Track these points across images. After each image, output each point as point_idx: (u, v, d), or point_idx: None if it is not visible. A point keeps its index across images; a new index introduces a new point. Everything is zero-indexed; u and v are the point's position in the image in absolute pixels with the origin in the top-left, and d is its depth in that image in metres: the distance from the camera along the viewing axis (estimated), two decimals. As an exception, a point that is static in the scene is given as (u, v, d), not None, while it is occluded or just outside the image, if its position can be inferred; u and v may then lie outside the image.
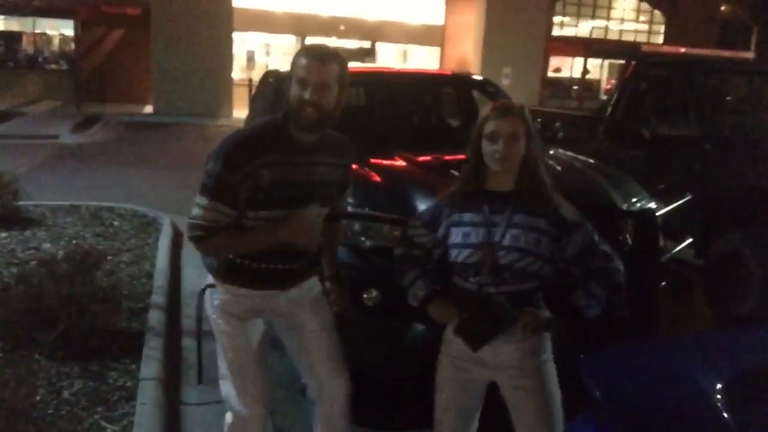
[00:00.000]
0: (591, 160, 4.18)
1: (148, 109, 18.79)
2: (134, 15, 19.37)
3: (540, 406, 2.03)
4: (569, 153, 4.22)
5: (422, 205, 3.01)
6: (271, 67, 19.42)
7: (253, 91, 7.68)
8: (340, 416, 2.37)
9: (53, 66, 21.11)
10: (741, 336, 1.89)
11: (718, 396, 1.33)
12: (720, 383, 1.36)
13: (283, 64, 19.69)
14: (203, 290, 2.25)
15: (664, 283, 3.23)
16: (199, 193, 2.06)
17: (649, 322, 3.12)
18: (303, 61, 2.01)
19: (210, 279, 2.26)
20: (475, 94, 5.28)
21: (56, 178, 9.12)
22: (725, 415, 1.29)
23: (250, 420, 2.25)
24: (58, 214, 6.37)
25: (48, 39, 21.66)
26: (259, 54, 20.95)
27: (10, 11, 19.06)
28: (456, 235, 2.09)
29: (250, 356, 2.24)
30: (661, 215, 3.45)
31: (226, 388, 2.27)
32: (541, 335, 2.08)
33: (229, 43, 19.07)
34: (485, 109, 2.12)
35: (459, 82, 5.43)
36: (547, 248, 2.05)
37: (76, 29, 19.87)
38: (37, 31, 21.29)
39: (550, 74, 24.09)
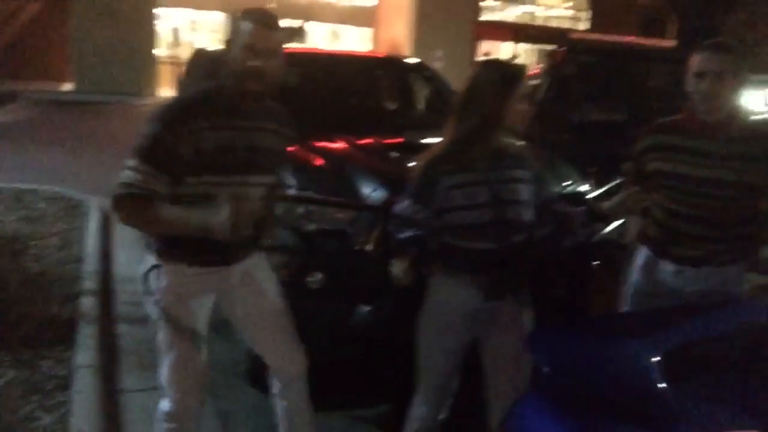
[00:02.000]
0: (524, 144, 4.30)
1: (68, 86, 17.95)
2: (53, -13, 18.41)
3: (516, 359, 2.16)
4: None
5: (365, 189, 3.04)
6: (198, 45, 18.93)
7: (182, 69, 7.46)
8: (300, 392, 2.38)
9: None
10: (676, 312, 2.02)
11: (656, 368, 1.43)
12: (657, 356, 1.46)
13: (211, 42, 19.19)
14: (148, 272, 2.15)
15: (597, 263, 3.39)
16: (131, 155, 1.95)
17: (585, 299, 3.27)
18: (249, 26, 1.96)
19: (153, 260, 2.15)
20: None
21: (-29, 159, 8.63)
22: (663, 385, 1.39)
23: (187, 406, 2.21)
24: (-25, 197, 6.05)
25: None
26: (184, 31, 20.33)
27: None
28: (459, 197, 2.11)
29: (191, 341, 2.18)
30: (593, 197, 3.59)
31: (164, 373, 2.21)
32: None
33: (152, 18, 18.41)
34: (494, 71, 2.15)
35: (395, 65, 5.45)
36: (532, 197, 2.21)
37: (-15, 1, 18.68)
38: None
39: (481, 58, 24.46)
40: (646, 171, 2.48)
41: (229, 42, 2.02)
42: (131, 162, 1.94)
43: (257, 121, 2.09)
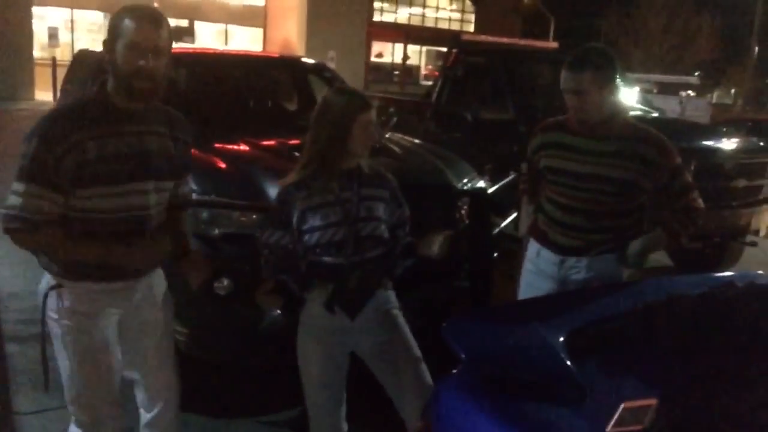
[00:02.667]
0: (425, 143, 4.43)
1: (-70, 91, 16.52)
2: None
3: (408, 350, 2.23)
4: (405, 137, 4.42)
5: (271, 190, 3.02)
6: (78, 46, 17.97)
7: (65, 72, 7.07)
8: (170, 422, 2.30)
9: None
10: (576, 295, 2.17)
11: (561, 347, 1.53)
12: (561, 336, 1.56)
13: (90, 42, 18.25)
14: (47, 292, 2.00)
15: (496, 254, 3.55)
16: (15, 179, 1.84)
17: (486, 289, 3.41)
18: (132, 24, 1.85)
19: (51, 279, 2.01)
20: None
21: None
22: (569, 363, 1.50)
23: (101, 426, 2.10)
24: None
25: None
26: (62, 31, 19.25)
27: None
28: (314, 219, 2.16)
29: (101, 357, 2.05)
30: (490, 193, 3.76)
31: (72, 395, 2.07)
32: (387, 288, 2.31)
33: (29, 18, 17.28)
34: (342, 100, 2.18)
35: (294, 66, 5.44)
36: (390, 214, 2.29)
37: None
38: None
39: (373, 59, 24.73)
40: (538, 167, 2.65)
41: (108, 42, 1.90)
42: (15, 185, 1.84)
43: (144, 123, 1.99)
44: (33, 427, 2.96)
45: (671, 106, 18.50)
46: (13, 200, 1.84)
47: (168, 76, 1.97)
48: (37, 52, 18.02)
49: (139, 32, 1.85)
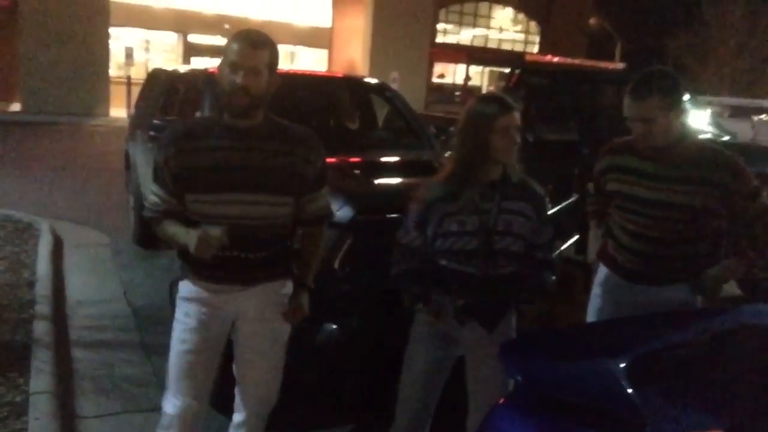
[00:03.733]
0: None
1: (15, 107, 17.48)
2: (3, 6, 17.96)
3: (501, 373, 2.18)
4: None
5: (332, 207, 3.04)
6: (152, 65, 18.73)
7: (139, 90, 7.37)
8: (255, 428, 2.38)
9: None
10: (641, 321, 2.09)
11: (623, 374, 1.48)
12: (623, 362, 1.51)
13: (164, 62, 18.96)
14: (172, 283, 2.28)
15: (554, 278, 3.47)
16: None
17: (544, 313, 3.33)
18: (235, 46, 2.01)
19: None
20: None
21: None
22: (630, 390, 1.44)
23: (177, 415, 2.18)
24: None
25: None
26: (137, 51, 20.09)
27: None
28: (450, 225, 2.18)
29: (197, 349, 2.17)
30: (551, 215, 3.68)
31: (170, 380, 2.22)
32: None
33: (105, 38, 18.15)
34: (483, 106, 2.19)
35: (356, 85, 5.50)
36: (530, 231, 2.23)
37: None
38: None
39: (435, 80, 24.82)
40: (606, 190, 2.58)
41: (220, 64, 2.07)
42: (149, 184, 2.17)
43: (254, 140, 2.09)
44: (95, 430, 3.04)
45: (743, 130, 17.79)
46: (147, 195, 2.20)
47: (272, 91, 2.08)
48: (113, 71, 18.85)
49: (238, 53, 2.00)
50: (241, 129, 2.08)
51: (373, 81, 5.36)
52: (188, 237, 2.02)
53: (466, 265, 2.17)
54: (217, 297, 2.19)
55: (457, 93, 24.26)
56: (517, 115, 2.18)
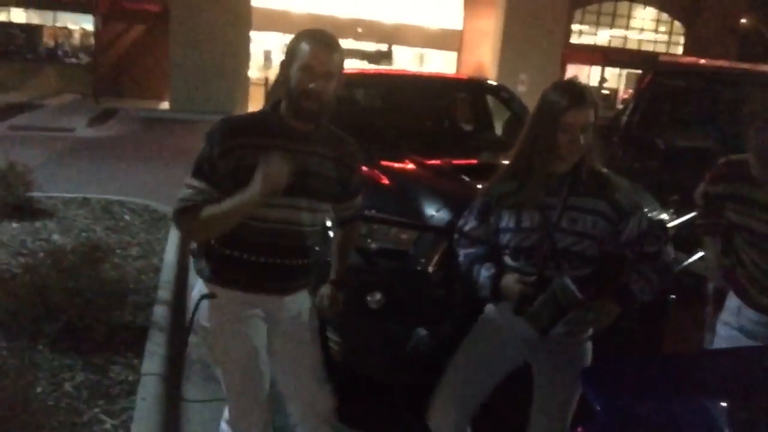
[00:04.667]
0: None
1: (165, 105, 18.90)
2: (154, 11, 19.52)
3: (570, 394, 2.05)
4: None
5: (430, 209, 2.99)
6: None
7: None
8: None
9: (73, 60, 21.29)
10: (744, 354, 1.85)
11: (722, 414, 1.29)
12: (724, 401, 1.32)
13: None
14: (199, 300, 2.10)
15: (673, 296, 3.18)
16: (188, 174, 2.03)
17: (657, 335, 3.07)
18: (307, 47, 1.92)
19: (202, 287, 2.11)
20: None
21: (70, 171, 9.17)
22: (729, 433, 1.26)
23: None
24: (70, 207, 6.39)
25: (68, 33, 21.85)
26: (276, 53, 21.01)
27: (29, 3, 19.24)
28: (508, 219, 2.05)
29: (250, 363, 2.09)
30: (673, 227, 3.39)
31: (227, 397, 2.16)
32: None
33: (246, 42, 19.16)
34: (554, 95, 2.00)
35: (473, 86, 5.40)
36: (603, 231, 2.02)
37: (96, 24, 19.98)
38: (57, 24, 21.49)
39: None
40: (723, 215, 2.36)
41: (285, 63, 1.98)
42: (187, 179, 2.01)
43: (310, 144, 2.04)
44: (198, 414, 3.18)
45: None
46: (183, 191, 2.00)
47: (337, 97, 2.01)
48: (252, 73, 19.86)
49: (312, 56, 1.90)
50: (299, 132, 2.01)
51: (490, 82, 5.24)
52: (248, 189, 1.84)
53: (525, 264, 2.02)
54: (251, 307, 2.09)
55: (591, 96, 23.27)
56: (589, 112, 1.97)
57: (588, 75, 25.92)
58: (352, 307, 2.66)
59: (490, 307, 2.23)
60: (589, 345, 2.16)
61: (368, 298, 2.88)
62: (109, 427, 2.75)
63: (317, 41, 1.93)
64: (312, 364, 2.25)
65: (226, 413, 2.26)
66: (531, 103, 5.11)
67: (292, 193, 1.97)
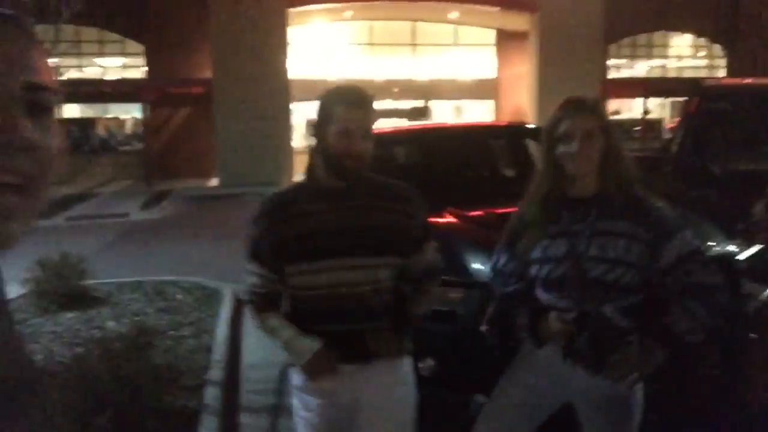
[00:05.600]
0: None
1: (214, 182, 19.40)
2: (198, 93, 20.29)
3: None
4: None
5: (475, 264, 2.84)
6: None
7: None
8: None
9: (125, 147, 22.23)
10: None
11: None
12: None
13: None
14: (286, 367, 2.17)
15: (754, 335, 2.91)
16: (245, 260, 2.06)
17: (740, 379, 2.80)
18: (340, 109, 1.87)
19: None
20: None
21: (125, 255, 9.37)
22: None
23: None
24: (124, 291, 6.47)
25: (119, 122, 22.90)
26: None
27: (81, 98, 20.30)
28: (536, 250, 1.93)
29: None
30: (746, 258, 3.14)
31: None
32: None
33: (288, 113, 19.65)
34: (556, 108, 1.96)
35: (511, 132, 5.29)
36: (640, 257, 1.83)
37: (144, 111, 20.89)
38: (108, 115, 22.56)
39: (610, 117, 23.66)
40: None
41: (318, 125, 1.93)
42: (246, 264, 2.03)
43: (353, 199, 1.96)
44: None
45: None
46: (245, 279, 2.05)
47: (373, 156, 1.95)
48: (296, 142, 20.29)
49: (350, 118, 1.86)
50: (336, 190, 1.94)
51: (529, 126, 5.11)
52: (296, 344, 1.92)
53: (559, 298, 1.85)
54: (333, 382, 1.97)
55: (636, 128, 22.83)
56: (588, 119, 1.85)
57: (630, 107, 25.54)
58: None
59: (529, 349, 2.06)
60: (639, 395, 1.95)
61: (419, 365, 2.72)
62: None
63: (352, 103, 1.89)
64: None
65: None
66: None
67: (341, 254, 1.91)
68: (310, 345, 1.87)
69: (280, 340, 1.97)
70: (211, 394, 3.90)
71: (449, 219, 3.43)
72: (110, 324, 5.39)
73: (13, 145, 0.66)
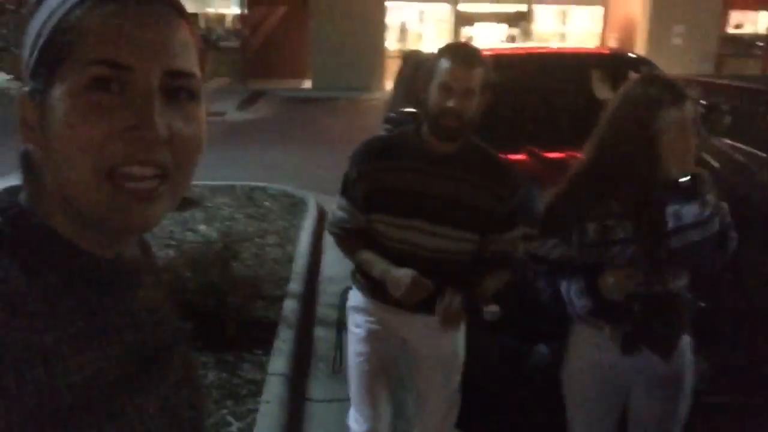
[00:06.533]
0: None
1: (308, 83, 19.51)
2: (293, -7, 20.07)
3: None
4: (739, 146, 3.67)
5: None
6: (425, 37, 19.34)
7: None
8: None
9: (225, 43, 22.51)
10: None
11: None
12: None
13: (438, 34, 19.51)
14: (345, 290, 2.32)
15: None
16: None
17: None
18: (446, 64, 1.87)
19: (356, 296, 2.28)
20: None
21: (219, 157, 9.73)
22: None
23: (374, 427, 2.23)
24: (216, 194, 6.78)
25: (220, 17, 23.09)
26: (412, 23, 20.85)
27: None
28: (595, 232, 1.87)
29: (370, 368, 2.20)
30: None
31: (352, 389, 2.28)
32: None
33: (383, 13, 19.18)
34: (644, 86, 1.81)
35: (610, 61, 4.95)
36: (704, 235, 1.77)
37: (242, 7, 20.92)
38: (209, 10, 22.78)
39: (730, 31, 21.60)
40: None
41: (424, 81, 1.94)
42: (337, 197, 2.15)
43: (453, 168, 1.98)
44: (322, 415, 3.25)
45: None
46: (333, 210, 2.18)
47: (481, 111, 1.94)
48: (392, 45, 19.90)
49: (451, 74, 1.86)
50: (438, 154, 1.96)
51: (630, 55, 4.77)
52: (392, 275, 1.93)
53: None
54: (386, 314, 2.14)
55: (759, 43, 20.82)
56: (694, 109, 1.73)
57: (755, 21, 23.22)
58: (469, 318, 2.55)
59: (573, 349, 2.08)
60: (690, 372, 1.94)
61: (485, 309, 2.75)
62: (234, 430, 2.88)
63: (456, 58, 1.88)
64: (446, 391, 2.24)
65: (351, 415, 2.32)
66: (687, 58, 4.58)
67: (425, 218, 1.97)
68: (404, 274, 1.91)
69: (373, 272, 2.03)
70: (289, 307, 4.11)
71: (524, 159, 3.33)
72: (201, 228, 5.71)
73: (150, 140, 0.67)
